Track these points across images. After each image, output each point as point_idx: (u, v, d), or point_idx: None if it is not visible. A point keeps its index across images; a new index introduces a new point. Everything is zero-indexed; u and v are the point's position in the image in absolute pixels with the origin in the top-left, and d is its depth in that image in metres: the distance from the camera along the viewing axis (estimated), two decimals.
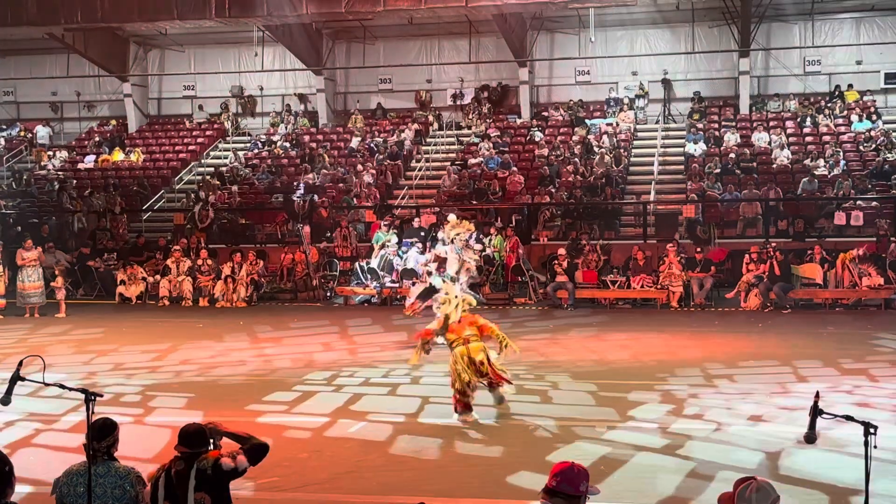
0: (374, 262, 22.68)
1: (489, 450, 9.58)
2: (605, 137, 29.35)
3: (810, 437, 4.73)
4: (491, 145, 29.58)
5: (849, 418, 4.84)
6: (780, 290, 20.39)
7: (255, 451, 5.48)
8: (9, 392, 5.31)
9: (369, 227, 25.67)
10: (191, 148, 33.54)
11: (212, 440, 5.50)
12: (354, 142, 31.28)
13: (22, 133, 35.56)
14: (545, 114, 32.24)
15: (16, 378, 5.30)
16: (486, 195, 26.67)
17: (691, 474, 8.55)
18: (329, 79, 34.06)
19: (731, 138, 28.77)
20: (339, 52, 34.23)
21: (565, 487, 4.27)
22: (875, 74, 30.47)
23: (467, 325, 10.92)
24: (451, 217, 16.86)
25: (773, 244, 21.45)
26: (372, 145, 30.90)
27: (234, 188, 29.00)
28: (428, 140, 32.16)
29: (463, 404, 10.53)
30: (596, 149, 28.59)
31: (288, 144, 32.26)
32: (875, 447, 4.47)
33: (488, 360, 10.49)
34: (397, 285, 21.97)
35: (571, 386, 12.59)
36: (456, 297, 12.04)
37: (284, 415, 11.13)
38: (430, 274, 17.11)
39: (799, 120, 29.68)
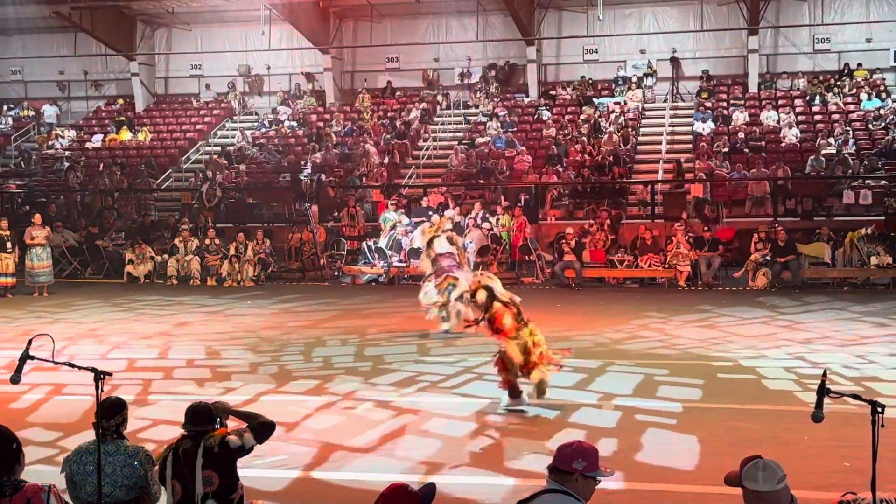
0: (382, 242, 22.71)
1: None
2: (612, 116, 29.26)
3: (817, 416, 4.71)
4: (498, 124, 29.51)
5: (856, 397, 4.83)
6: (792, 267, 20.34)
7: (262, 428, 5.51)
8: (18, 371, 5.32)
9: (376, 206, 25.69)
10: (198, 127, 33.53)
11: (218, 419, 5.53)
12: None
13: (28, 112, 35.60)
14: (553, 93, 32.11)
15: (25, 357, 5.32)
16: (494, 174, 26.63)
17: None
18: (336, 58, 33.97)
19: (740, 117, 28.65)
20: (346, 31, 34.12)
21: (558, 462, 4.36)
22: (885, 52, 30.26)
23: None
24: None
25: (780, 226, 21.40)
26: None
27: (242, 167, 29.02)
28: (435, 119, 32.09)
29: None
30: (604, 128, 28.52)
31: (295, 123, 32.24)
32: (882, 426, 4.45)
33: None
34: (405, 265, 22.01)
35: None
36: None
37: (299, 394, 11.16)
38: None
39: (808, 98, 29.53)
